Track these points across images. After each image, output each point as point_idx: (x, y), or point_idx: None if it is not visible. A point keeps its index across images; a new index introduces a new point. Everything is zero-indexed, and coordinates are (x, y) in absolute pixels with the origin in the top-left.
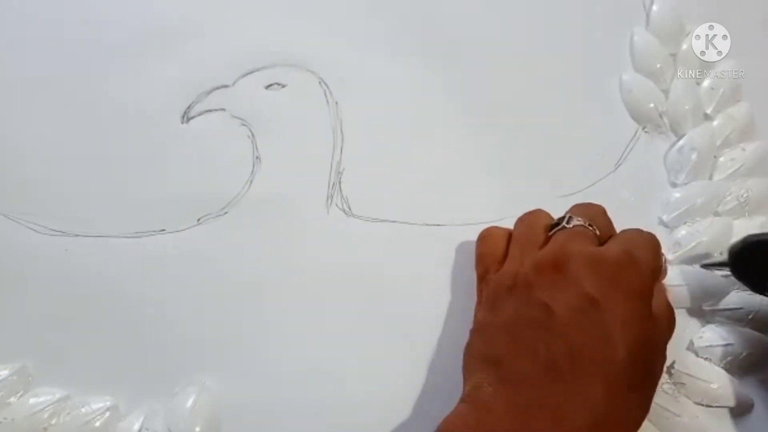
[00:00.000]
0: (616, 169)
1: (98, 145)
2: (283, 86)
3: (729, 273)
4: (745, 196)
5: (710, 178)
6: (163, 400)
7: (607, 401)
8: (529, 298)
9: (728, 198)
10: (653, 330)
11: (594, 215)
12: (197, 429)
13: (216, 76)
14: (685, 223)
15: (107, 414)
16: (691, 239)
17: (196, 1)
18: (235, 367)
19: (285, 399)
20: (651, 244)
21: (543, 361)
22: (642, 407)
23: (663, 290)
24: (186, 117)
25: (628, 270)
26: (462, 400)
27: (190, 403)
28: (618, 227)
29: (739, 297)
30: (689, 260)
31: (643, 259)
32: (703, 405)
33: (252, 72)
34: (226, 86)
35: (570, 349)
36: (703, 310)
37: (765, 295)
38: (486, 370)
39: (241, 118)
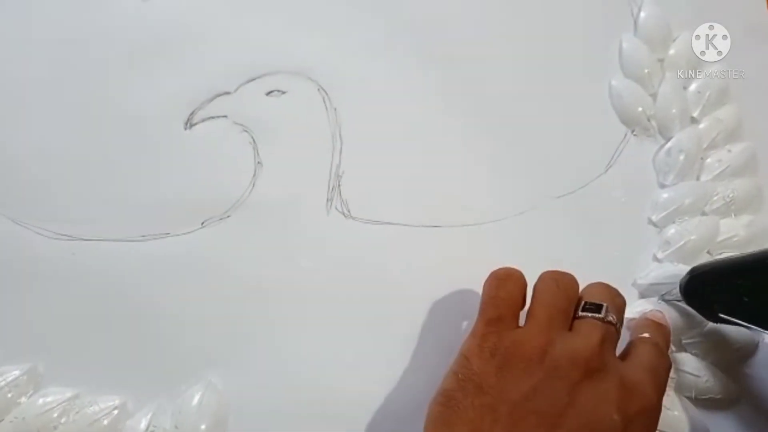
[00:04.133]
0: (606, 171)
1: (104, 150)
2: (283, 93)
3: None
4: (731, 196)
5: (698, 178)
6: (170, 399)
7: None
8: (550, 386)
9: (715, 198)
10: None
11: (620, 310)
12: (203, 426)
13: (218, 83)
14: (673, 222)
15: (115, 412)
16: (680, 238)
17: (199, 11)
18: (241, 366)
19: (289, 397)
20: (666, 376)
21: None
22: None
23: None
24: (189, 123)
25: (656, 412)
26: None
27: (196, 400)
28: (609, 227)
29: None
30: (678, 258)
31: (662, 389)
32: (692, 398)
33: (253, 79)
34: (227, 93)
35: None
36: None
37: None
38: None
39: (242, 125)
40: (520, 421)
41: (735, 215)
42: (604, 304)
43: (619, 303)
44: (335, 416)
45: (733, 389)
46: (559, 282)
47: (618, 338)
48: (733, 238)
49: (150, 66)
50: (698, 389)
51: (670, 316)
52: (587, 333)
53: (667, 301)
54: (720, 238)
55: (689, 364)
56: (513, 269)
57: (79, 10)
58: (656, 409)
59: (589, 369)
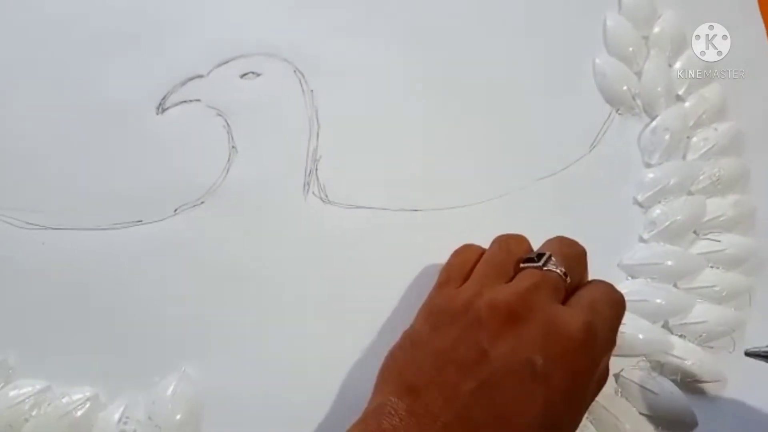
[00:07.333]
0: (591, 151)
1: (74, 137)
2: (258, 75)
3: None
4: (717, 174)
5: (683, 158)
6: (143, 390)
7: None
8: (471, 335)
9: (701, 177)
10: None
11: (572, 259)
12: (178, 417)
13: (191, 66)
14: (659, 202)
15: (88, 404)
16: (665, 218)
17: None
18: (216, 355)
19: (265, 386)
20: (617, 310)
21: (460, 406)
22: None
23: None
24: (161, 108)
25: (582, 350)
26: (364, 417)
27: (170, 391)
28: (594, 208)
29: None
30: (664, 238)
31: (601, 335)
32: (677, 381)
33: (227, 62)
34: (201, 76)
35: (490, 404)
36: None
37: None
38: (399, 394)
39: (216, 108)
40: (442, 370)
41: (722, 194)
42: (546, 254)
43: (568, 252)
44: (311, 404)
45: (719, 373)
46: (502, 241)
47: (564, 285)
48: (720, 217)
49: (121, 50)
50: (684, 372)
51: (661, 295)
52: (518, 282)
53: (751, 356)
54: (706, 218)
55: (676, 347)
56: (471, 243)
57: None
58: (580, 349)
59: (512, 316)
